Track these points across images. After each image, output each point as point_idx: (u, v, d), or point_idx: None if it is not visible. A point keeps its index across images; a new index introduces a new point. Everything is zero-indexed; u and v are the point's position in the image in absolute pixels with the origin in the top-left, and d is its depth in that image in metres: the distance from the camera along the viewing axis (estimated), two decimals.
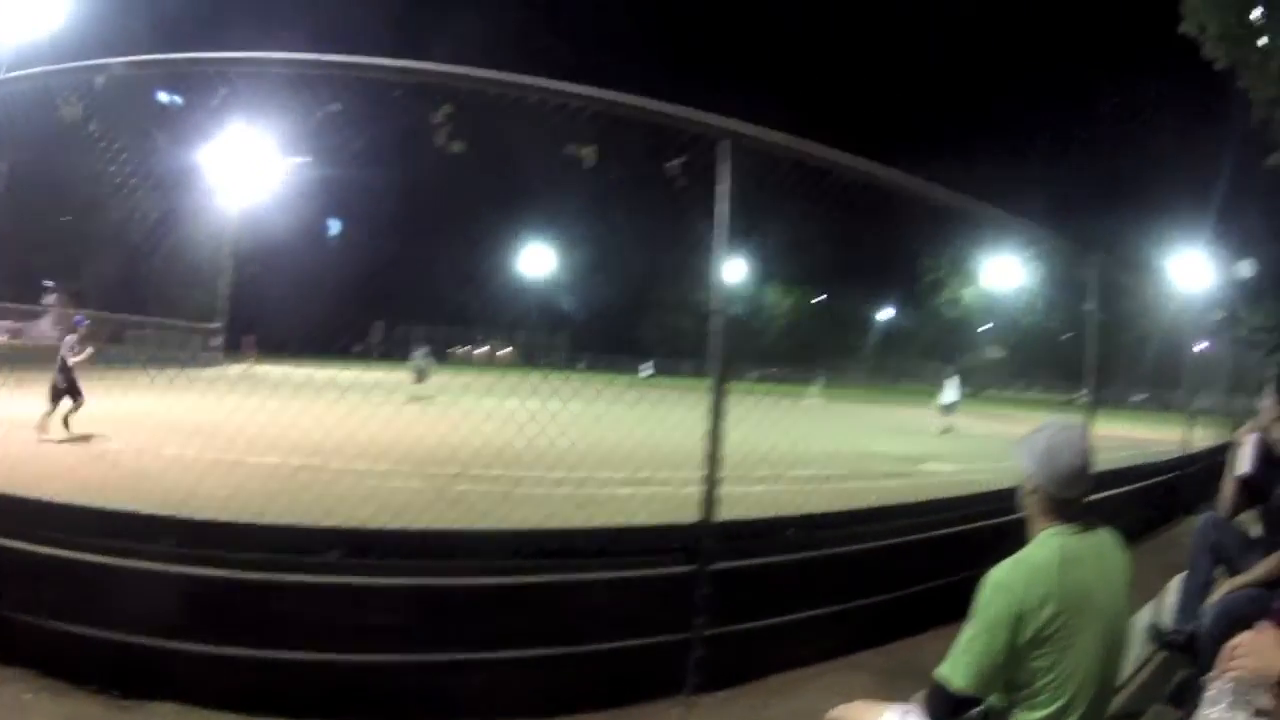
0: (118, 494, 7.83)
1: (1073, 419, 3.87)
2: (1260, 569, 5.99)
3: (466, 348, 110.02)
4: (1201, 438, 18.93)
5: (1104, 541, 3.90)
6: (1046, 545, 3.74)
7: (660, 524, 6.57)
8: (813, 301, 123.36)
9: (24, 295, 59.16)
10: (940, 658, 3.67)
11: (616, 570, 6.09)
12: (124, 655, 5.57)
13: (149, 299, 68.10)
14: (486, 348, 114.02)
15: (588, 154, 6.20)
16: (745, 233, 7.16)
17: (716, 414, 6.33)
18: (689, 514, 6.48)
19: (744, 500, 9.98)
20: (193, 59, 6.23)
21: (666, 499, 8.65)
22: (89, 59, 6.35)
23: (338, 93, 6.02)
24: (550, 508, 9.71)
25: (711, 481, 6.30)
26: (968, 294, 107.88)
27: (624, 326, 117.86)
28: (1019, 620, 3.49)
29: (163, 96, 5.90)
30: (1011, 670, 3.55)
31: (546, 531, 6.35)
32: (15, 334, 56.93)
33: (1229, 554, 6.59)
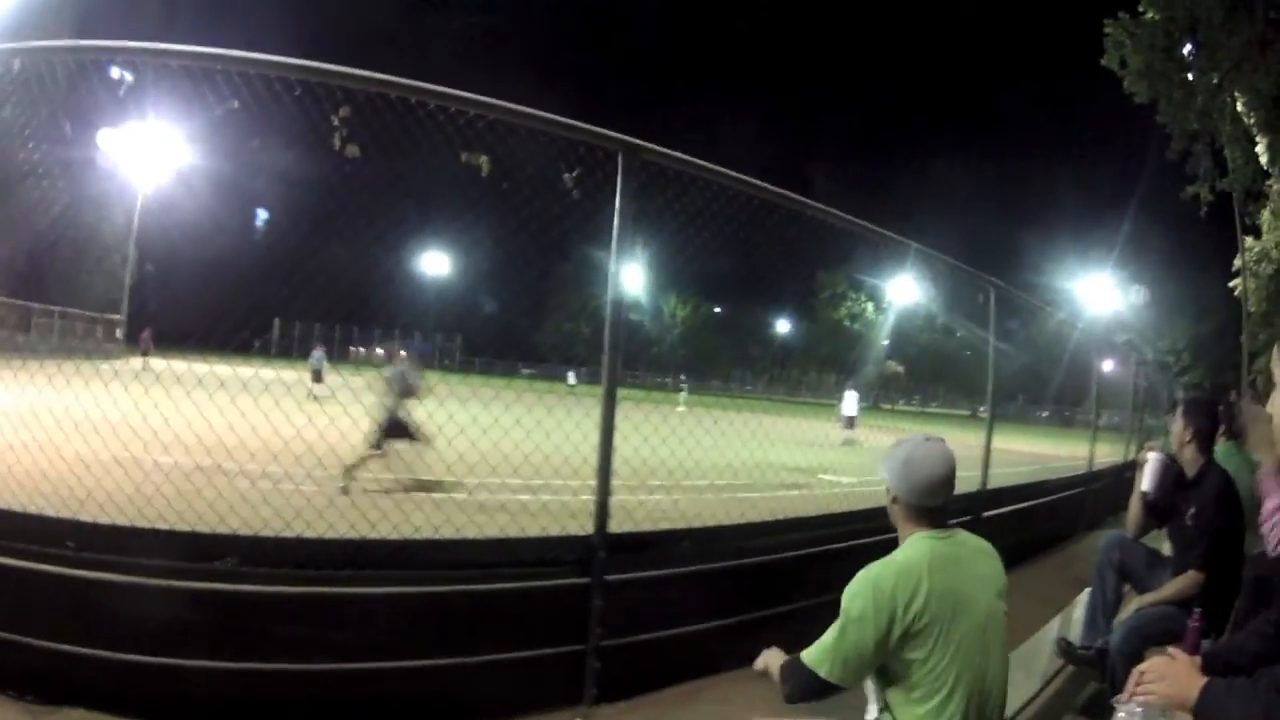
0: (17, 494, 7.71)
1: (933, 434, 4.02)
2: (1170, 588, 6.11)
3: (362, 349, 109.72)
4: (1106, 454, 19.13)
5: (973, 545, 4.10)
6: (915, 548, 3.93)
7: (554, 535, 6.57)
8: (711, 312, 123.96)
9: None
10: None
11: (511, 581, 6.05)
12: (33, 660, 5.54)
13: (54, 286, 67.34)
14: (382, 350, 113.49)
15: (483, 163, 6.17)
16: (644, 243, 7.19)
17: (607, 425, 6.31)
18: (584, 523, 6.48)
19: (639, 509, 10.01)
20: (87, 46, 6.16)
21: (561, 508, 8.66)
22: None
23: (239, 89, 5.95)
24: (444, 514, 9.63)
25: (604, 493, 6.28)
26: (868, 309, 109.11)
27: (520, 330, 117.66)
28: (888, 617, 3.70)
29: (115, 73, 5.77)
30: (883, 663, 3.83)
31: (440, 541, 6.29)
32: None
33: (1135, 572, 6.77)
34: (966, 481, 10.36)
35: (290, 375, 31.43)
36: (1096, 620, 6.75)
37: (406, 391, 15.13)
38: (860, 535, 7.98)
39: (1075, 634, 7.02)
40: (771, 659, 4.36)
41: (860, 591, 3.81)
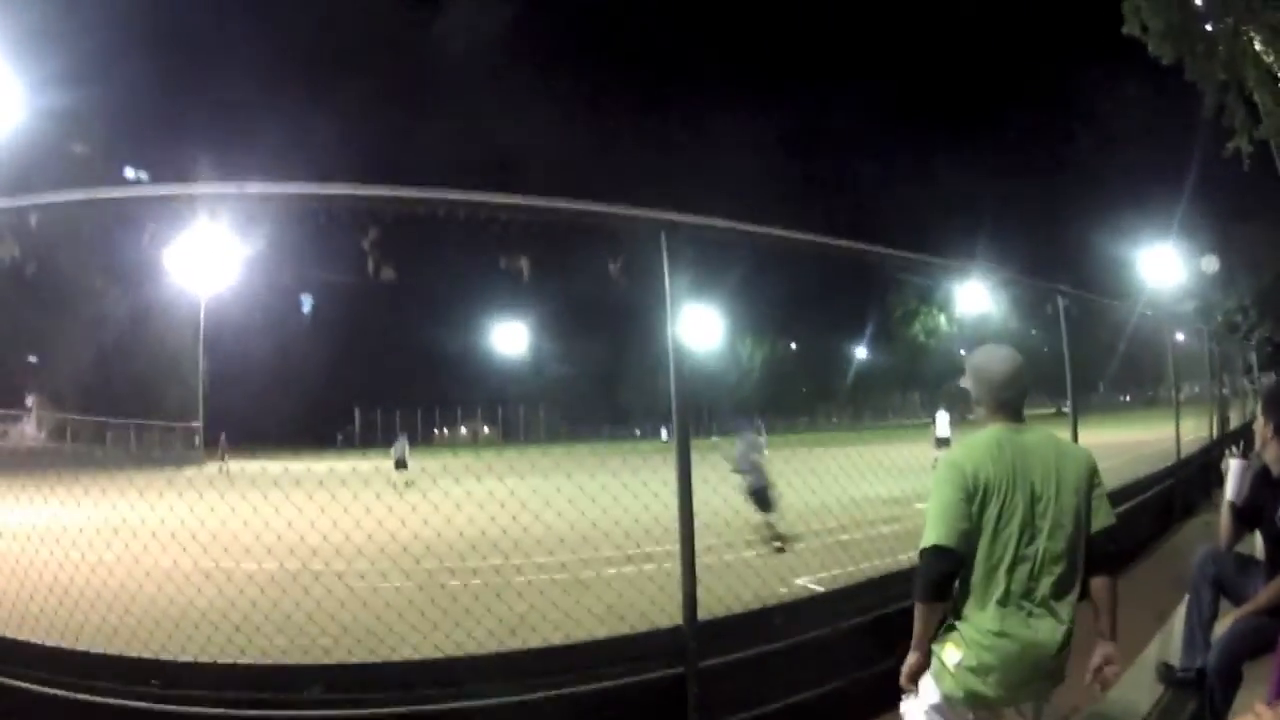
0: (110, 614, 7.75)
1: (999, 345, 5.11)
2: (1262, 596, 5.94)
3: (446, 430, 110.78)
4: (1191, 433, 18.79)
5: (1046, 438, 4.72)
6: (986, 434, 4.67)
7: (644, 631, 6.47)
8: (788, 348, 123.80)
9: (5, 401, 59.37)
10: None
11: (606, 680, 5.95)
12: None
13: (127, 398, 68.36)
14: (464, 429, 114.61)
15: (524, 266, 6.10)
16: (707, 294, 7.19)
17: (686, 518, 6.19)
18: (678, 593, 6.36)
19: (735, 568, 9.85)
20: (123, 198, 6.12)
21: (654, 578, 8.54)
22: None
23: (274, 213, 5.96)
24: (536, 597, 9.57)
25: (690, 582, 6.17)
26: (941, 321, 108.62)
27: (600, 393, 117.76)
28: (961, 479, 4.41)
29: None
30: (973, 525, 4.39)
31: (532, 650, 6.24)
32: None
33: (1230, 584, 6.51)
34: None
35: (371, 465, 31.65)
36: (1195, 639, 6.51)
37: (755, 461, 17.08)
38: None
39: (1176, 653, 6.83)
40: (910, 655, 4.72)
41: (941, 469, 4.60)
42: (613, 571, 12.52)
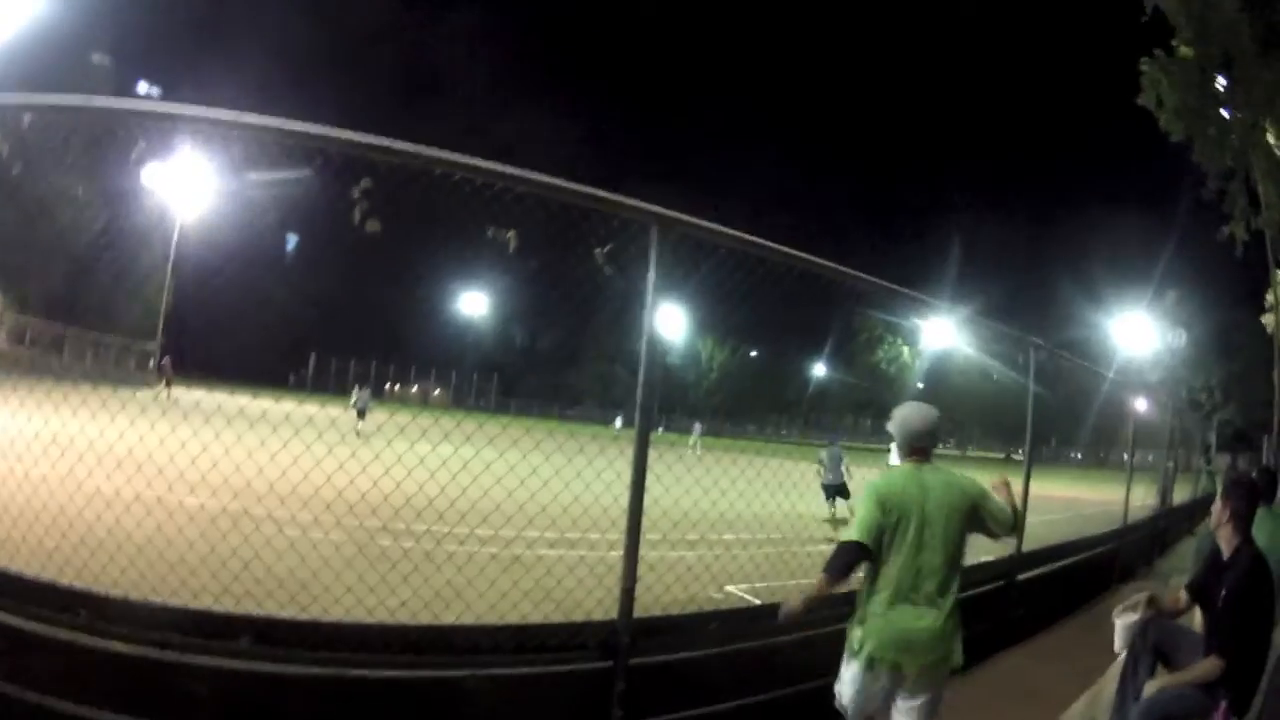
0: (47, 537, 7.66)
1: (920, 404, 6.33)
2: (1190, 673, 6.14)
3: (399, 386, 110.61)
4: (1140, 499, 18.87)
5: (945, 475, 6.01)
6: (902, 467, 6.06)
7: (576, 621, 6.41)
8: (748, 355, 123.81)
9: None
10: None
11: (533, 666, 5.96)
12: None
13: (92, 310, 67.81)
14: (416, 387, 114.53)
15: (510, 239, 6.06)
16: (679, 290, 7.26)
17: (635, 518, 6.21)
18: (610, 583, 6.49)
19: (675, 568, 9.84)
20: (117, 110, 6.05)
21: (593, 564, 8.54)
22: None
23: (267, 149, 5.89)
24: (474, 569, 9.51)
25: (630, 578, 6.19)
26: (905, 352, 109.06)
27: (555, 372, 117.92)
28: (879, 499, 5.74)
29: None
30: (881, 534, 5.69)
31: (459, 627, 6.21)
32: None
33: (1169, 651, 6.61)
34: (1001, 545, 10.30)
35: (325, 413, 31.49)
36: (1126, 703, 6.61)
37: (837, 468, 22.17)
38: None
39: (1103, 715, 6.89)
40: (794, 597, 5.82)
41: (867, 488, 5.95)
42: (551, 553, 12.52)
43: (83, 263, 67.00)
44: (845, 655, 5.87)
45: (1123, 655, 6.85)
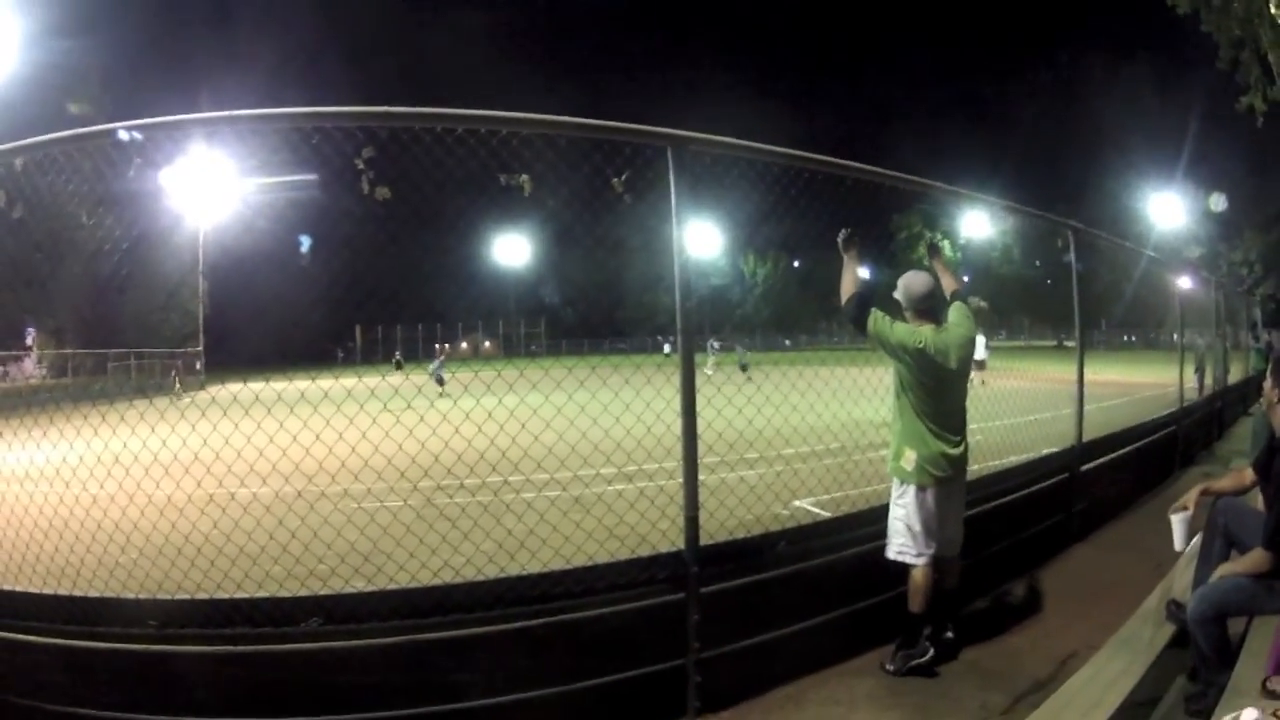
0: (106, 554, 7.68)
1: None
2: (1243, 562, 5.89)
3: (447, 345, 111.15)
4: (1193, 380, 18.67)
5: (958, 333, 7.20)
6: (923, 328, 7.06)
7: (644, 556, 6.34)
8: (791, 266, 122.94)
9: (4, 340, 59.28)
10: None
11: (604, 606, 5.93)
12: None
13: (128, 329, 68.20)
14: (465, 344, 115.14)
15: (524, 183, 5.99)
16: (711, 211, 7.31)
17: (690, 445, 6.17)
18: (674, 513, 6.47)
19: (738, 489, 9.77)
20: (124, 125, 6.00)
21: (655, 496, 8.48)
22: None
23: (265, 137, 5.85)
24: (534, 517, 9.49)
25: (692, 507, 6.13)
26: (946, 247, 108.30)
27: (601, 307, 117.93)
28: (902, 340, 6.94)
29: (123, 134, 5.67)
30: (899, 370, 7.09)
31: (529, 576, 6.14)
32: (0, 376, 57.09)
33: (1238, 534, 6.43)
34: (1062, 437, 10.15)
35: (376, 383, 31.58)
36: (1202, 582, 6.49)
37: None
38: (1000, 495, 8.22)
39: (1185, 593, 6.75)
40: (850, 272, 7.35)
41: (898, 325, 7.10)
42: (611, 490, 12.41)
43: (111, 284, 67.43)
44: (897, 483, 7.09)
45: (1197, 539, 6.73)
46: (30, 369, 71.77)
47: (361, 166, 5.56)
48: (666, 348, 79.35)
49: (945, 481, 6.95)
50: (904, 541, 6.91)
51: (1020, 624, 7.72)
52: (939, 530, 6.93)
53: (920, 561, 6.84)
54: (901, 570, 6.89)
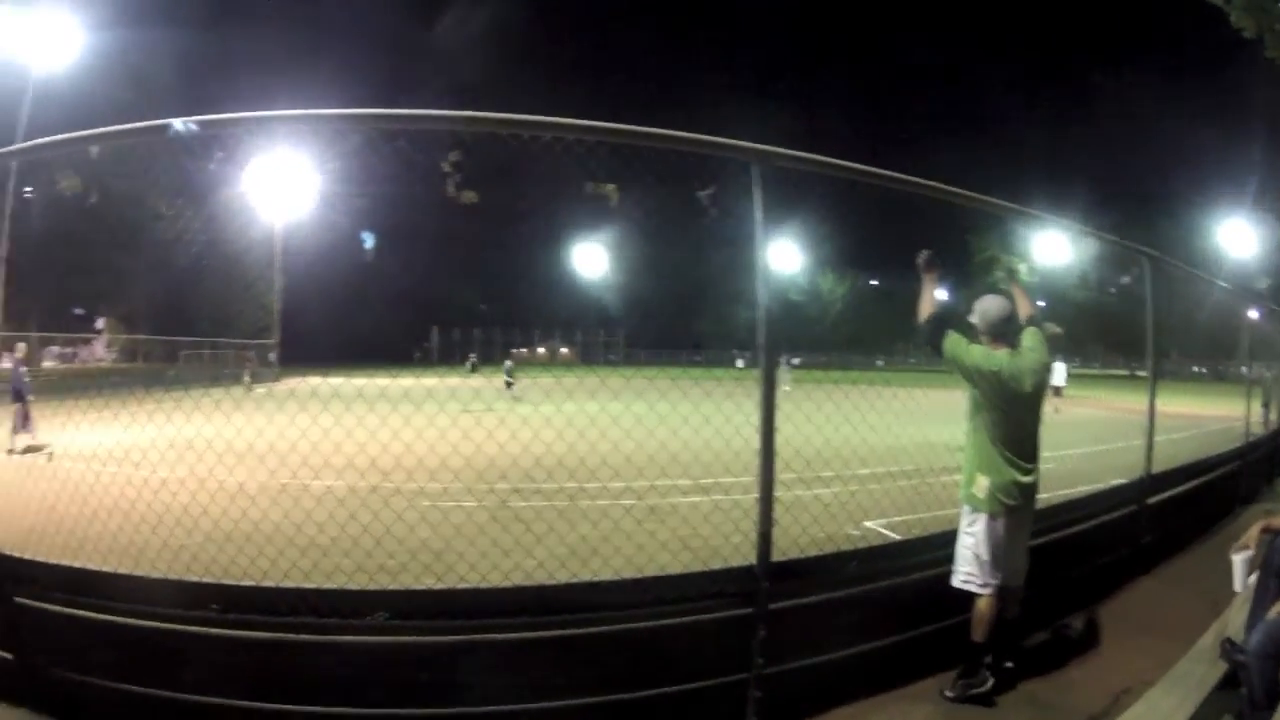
0: (173, 536, 7.78)
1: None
2: None
3: (524, 350, 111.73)
4: (1260, 415, 18.40)
5: (1030, 359, 7.07)
6: (1003, 352, 7.00)
7: (714, 569, 6.42)
8: (868, 284, 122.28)
9: (70, 323, 60.02)
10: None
11: (673, 618, 5.92)
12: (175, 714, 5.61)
13: (203, 319, 69.03)
14: (543, 349, 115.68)
15: (611, 192, 6.01)
16: (791, 227, 7.29)
17: (767, 461, 6.11)
18: (747, 527, 6.45)
19: (811, 507, 9.78)
20: (206, 120, 6.05)
21: (729, 509, 8.51)
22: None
23: (349, 138, 5.91)
24: (609, 524, 9.53)
25: (766, 522, 6.08)
26: (1022, 269, 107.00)
27: (681, 319, 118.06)
28: (976, 364, 6.89)
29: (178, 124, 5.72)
30: (973, 391, 7.00)
31: (597, 583, 6.20)
32: (68, 359, 57.90)
33: None
34: (1131, 468, 10.07)
35: (449, 384, 31.75)
36: (1257, 620, 6.39)
37: None
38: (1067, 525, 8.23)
39: (1239, 632, 6.68)
40: (928, 293, 7.29)
41: (974, 347, 7.02)
42: (685, 501, 12.44)
43: (187, 275, 68.22)
44: (967, 510, 7.02)
45: (1253, 578, 6.67)
46: (100, 352, 72.61)
47: (448, 170, 5.60)
48: (740, 362, 79.42)
49: (1015, 510, 6.86)
50: (971, 570, 6.86)
51: (1079, 657, 7.68)
52: (1005, 560, 6.87)
53: (985, 591, 6.80)
54: (965, 597, 6.86)
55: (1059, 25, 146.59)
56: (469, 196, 5.70)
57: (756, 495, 6.13)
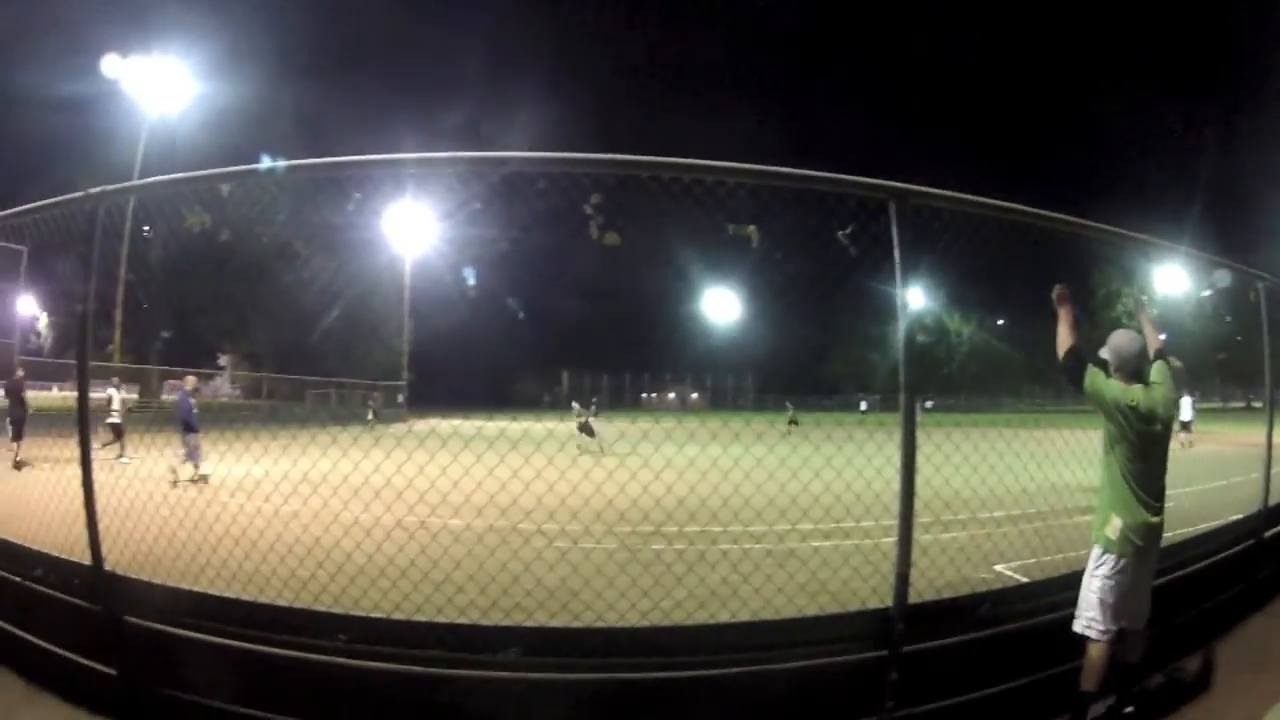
0: (301, 563, 7.89)
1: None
2: None
3: (654, 395, 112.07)
4: None
5: (1160, 394, 7.05)
6: (1137, 388, 6.91)
7: (849, 611, 6.51)
8: (995, 324, 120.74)
9: (195, 358, 61.30)
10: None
11: (804, 659, 5.91)
12: None
13: (329, 359, 70.28)
14: (674, 394, 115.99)
15: (751, 234, 6.04)
16: (921, 269, 7.22)
17: (907, 503, 6.15)
18: (878, 570, 6.88)
19: (944, 550, 9.73)
20: (336, 163, 6.17)
21: (865, 554, 8.51)
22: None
23: (485, 180, 6.02)
24: (736, 567, 9.54)
25: (904, 564, 6.12)
26: (1145, 302, 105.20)
27: (809, 364, 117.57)
28: (1114, 399, 6.79)
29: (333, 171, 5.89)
30: (1108, 425, 6.90)
31: (733, 624, 6.30)
32: (194, 392, 59.35)
33: None
34: (1249, 501, 9.88)
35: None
36: None
37: None
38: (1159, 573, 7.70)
39: None
40: (1065, 327, 7.20)
41: (1112, 382, 6.94)
42: (806, 546, 12.36)
43: (310, 314, 69.58)
44: (1098, 549, 6.86)
45: None
46: (224, 388, 74.12)
47: (590, 212, 5.66)
48: (863, 405, 78.95)
49: (1143, 552, 6.77)
50: (1094, 615, 6.72)
51: (1192, 699, 7.53)
52: (1129, 605, 6.79)
53: (1104, 638, 6.67)
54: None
55: (1168, 48, 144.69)
56: (612, 239, 5.74)
57: (894, 538, 6.17)
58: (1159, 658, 7.85)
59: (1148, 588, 7.02)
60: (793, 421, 51.17)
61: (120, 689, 6.29)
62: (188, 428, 21.52)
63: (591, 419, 37.95)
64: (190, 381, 24.48)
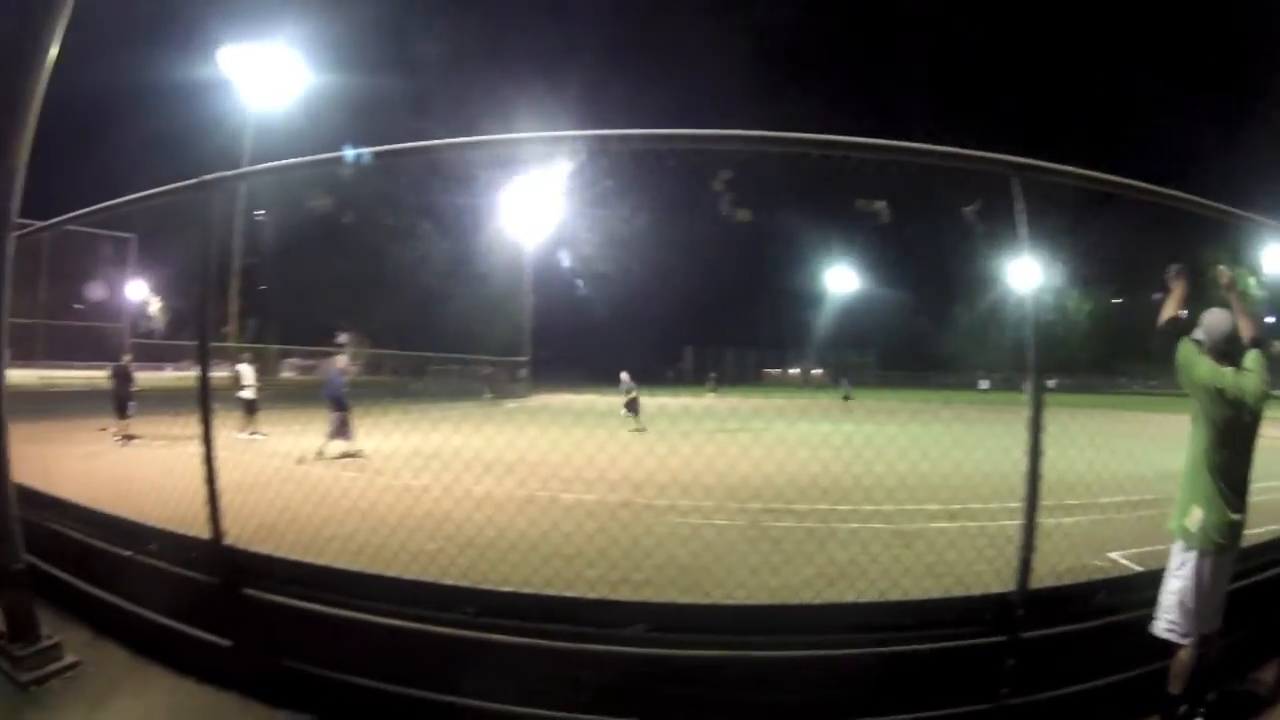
0: (431, 537, 7.99)
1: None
2: None
3: (778, 370, 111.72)
4: None
5: (1252, 379, 6.65)
6: (1229, 370, 6.56)
7: (971, 594, 6.51)
8: (1110, 303, 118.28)
9: (313, 336, 62.22)
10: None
11: (924, 643, 5.92)
12: (413, 712, 5.84)
13: (451, 336, 70.77)
14: (797, 370, 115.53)
15: (880, 209, 6.05)
16: (1038, 242, 7.13)
17: (1034, 471, 6.17)
18: (1002, 553, 6.68)
19: (1055, 535, 9.65)
20: (468, 142, 6.23)
21: (979, 536, 8.45)
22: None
23: (614, 158, 6.04)
24: (858, 546, 9.52)
25: (1027, 548, 6.13)
26: (1252, 283, 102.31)
27: (930, 340, 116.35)
28: (1206, 376, 6.49)
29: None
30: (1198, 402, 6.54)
31: (856, 605, 6.45)
32: (308, 370, 60.54)
33: None
34: None
35: (700, 402, 31.59)
36: None
37: None
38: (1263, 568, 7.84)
39: None
40: (1174, 301, 6.91)
41: (1203, 359, 6.63)
42: (932, 527, 12.30)
43: (432, 292, 70.24)
44: (1180, 543, 6.55)
45: None
46: (343, 365, 75.42)
47: (720, 189, 5.67)
48: (983, 383, 78.04)
49: (1225, 550, 6.45)
50: (1175, 618, 6.46)
51: (1264, 711, 7.19)
52: (1208, 608, 6.49)
53: (1188, 641, 6.43)
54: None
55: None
56: (744, 215, 5.79)
57: (1016, 521, 6.21)
58: (1234, 666, 7.76)
59: (1224, 590, 6.65)
60: (846, 398, 51.38)
61: (236, 659, 6.45)
62: (338, 405, 21.81)
63: (638, 395, 36.43)
64: (341, 360, 24.80)
